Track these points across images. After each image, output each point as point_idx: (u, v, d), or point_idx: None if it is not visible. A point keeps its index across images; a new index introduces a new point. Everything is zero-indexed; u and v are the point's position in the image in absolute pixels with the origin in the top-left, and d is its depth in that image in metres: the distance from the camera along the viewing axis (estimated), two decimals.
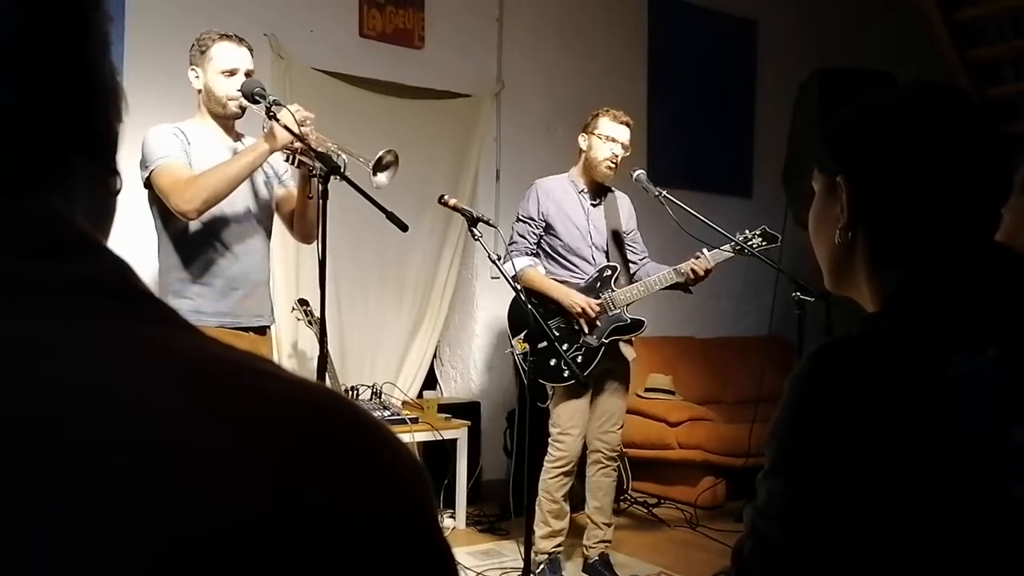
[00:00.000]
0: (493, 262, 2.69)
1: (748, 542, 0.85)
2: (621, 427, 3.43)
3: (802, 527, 0.81)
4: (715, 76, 5.55)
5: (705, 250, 3.26)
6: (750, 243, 3.26)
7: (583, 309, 3.23)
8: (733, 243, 3.25)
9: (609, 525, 3.44)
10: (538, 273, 3.32)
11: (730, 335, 5.55)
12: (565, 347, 3.21)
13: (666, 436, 4.50)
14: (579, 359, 3.25)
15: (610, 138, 3.31)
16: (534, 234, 3.35)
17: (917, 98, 0.92)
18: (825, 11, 5.83)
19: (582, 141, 3.38)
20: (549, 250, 3.37)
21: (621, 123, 3.34)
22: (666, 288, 3.32)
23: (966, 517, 0.78)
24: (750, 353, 5.11)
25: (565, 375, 3.19)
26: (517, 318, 3.26)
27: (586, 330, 3.28)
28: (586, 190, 3.40)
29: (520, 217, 3.39)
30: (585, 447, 3.40)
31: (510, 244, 3.34)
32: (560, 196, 3.37)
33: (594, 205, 3.41)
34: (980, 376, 0.80)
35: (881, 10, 5.79)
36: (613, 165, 3.33)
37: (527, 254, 3.33)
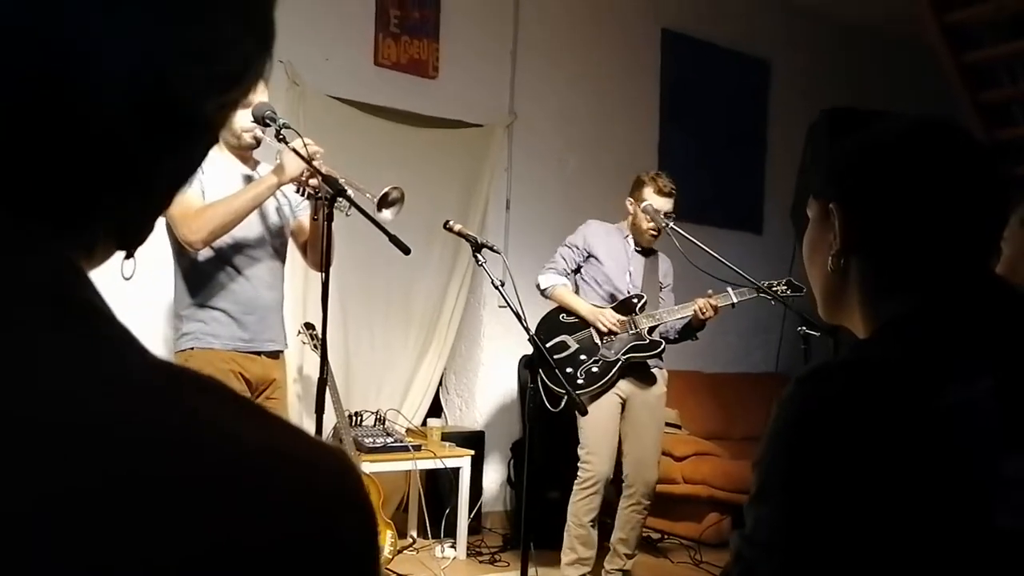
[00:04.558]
0: (497, 288, 2.70)
1: (734, 569, 0.84)
2: (659, 461, 3.54)
3: (789, 554, 0.80)
4: (727, 113, 5.59)
5: (730, 288, 3.33)
6: (774, 289, 3.35)
7: (605, 321, 3.39)
8: (757, 287, 3.34)
9: (631, 556, 3.54)
10: (567, 291, 3.53)
11: (738, 371, 5.52)
12: (583, 358, 3.42)
13: (671, 470, 4.46)
14: (594, 369, 3.41)
15: (655, 212, 3.44)
16: (574, 260, 3.57)
17: (912, 129, 0.93)
18: (837, 53, 5.86)
19: (628, 205, 3.55)
20: (589, 280, 3.55)
21: (666, 195, 3.47)
22: (679, 336, 3.50)
23: (954, 547, 0.77)
24: (757, 389, 5.07)
25: (579, 382, 3.35)
26: (538, 331, 3.38)
27: (604, 342, 3.43)
28: (631, 237, 3.57)
29: (566, 243, 3.61)
30: (620, 476, 3.48)
31: (549, 263, 3.57)
32: (607, 236, 3.59)
33: (637, 251, 3.58)
34: (973, 406, 0.79)
35: (892, 52, 5.82)
36: (656, 234, 3.50)
37: (561, 275, 3.54)
